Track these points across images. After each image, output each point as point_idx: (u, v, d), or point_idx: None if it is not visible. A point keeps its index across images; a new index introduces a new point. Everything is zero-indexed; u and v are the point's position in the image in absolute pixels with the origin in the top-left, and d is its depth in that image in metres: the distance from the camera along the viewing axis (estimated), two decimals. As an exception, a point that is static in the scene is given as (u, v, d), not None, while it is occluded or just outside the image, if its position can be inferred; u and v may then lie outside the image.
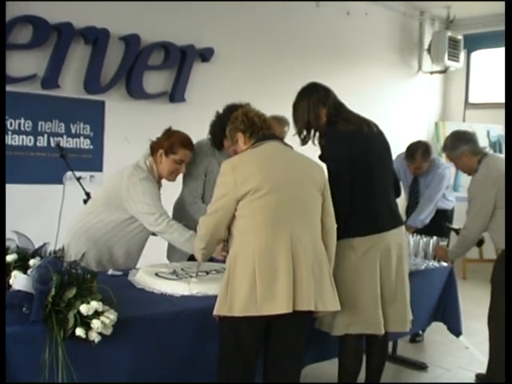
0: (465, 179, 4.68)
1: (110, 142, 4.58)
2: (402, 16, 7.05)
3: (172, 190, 3.14)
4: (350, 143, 2.63)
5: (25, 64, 4.11)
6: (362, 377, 2.84)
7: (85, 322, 1.91)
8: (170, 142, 2.87)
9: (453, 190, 5.00)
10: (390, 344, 3.65)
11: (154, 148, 2.90)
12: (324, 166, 2.61)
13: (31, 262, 2.13)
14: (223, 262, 2.55)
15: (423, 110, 7.53)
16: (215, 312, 2.23)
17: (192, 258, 2.78)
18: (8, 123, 4.11)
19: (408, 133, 6.47)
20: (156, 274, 2.59)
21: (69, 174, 3.55)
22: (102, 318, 1.93)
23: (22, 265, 2.12)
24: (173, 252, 3.18)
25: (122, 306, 2.05)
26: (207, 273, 2.67)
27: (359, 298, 2.60)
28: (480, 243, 3.56)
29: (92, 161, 4.51)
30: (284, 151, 2.41)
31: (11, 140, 4.14)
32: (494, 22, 6.59)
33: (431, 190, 4.40)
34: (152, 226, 2.80)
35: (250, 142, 2.41)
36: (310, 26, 5.91)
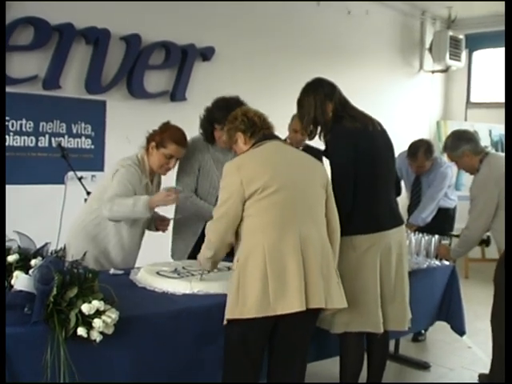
0: (467, 178, 4.66)
1: (112, 142, 4.58)
2: (404, 15, 7.05)
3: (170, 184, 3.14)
4: (355, 141, 2.62)
5: (26, 65, 4.10)
6: (363, 376, 2.84)
7: (86, 321, 1.91)
8: (163, 136, 2.90)
9: (455, 188, 4.98)
10: (393, 343, 3.64)
11: (148, 140, 2.95)
12: (326, 162, 2.61)
13: (33, 262, 2.13)
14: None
15: (425, 109, 7.52)
16: (227, 316, 2.22)
17: (193, 256, 2.78)
18: (10, 124, 4.10)
19: (410, 132, 6.44)
20: (157, 273, 2.59)
21: (70, 174, 3.55)
22: (103, 317, 1.93)
23: (23, 265, 2.13)
24: (177, 250, 3.19)
25: (124, 305, 2.05)
26: (209, 271, 2.65)
27: (359, 296, 2.60)
28: (487, 243, 3.54)
29: (93, 161, 4.51)
30: (286, 150, 2.43)
31: (13, 141, 4.13)
32: (496, 22, 6.57)
33: (433, 189, 4.40)
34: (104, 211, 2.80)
35: (250, 142, 2.40)
36: (311, 25, 5.91)
